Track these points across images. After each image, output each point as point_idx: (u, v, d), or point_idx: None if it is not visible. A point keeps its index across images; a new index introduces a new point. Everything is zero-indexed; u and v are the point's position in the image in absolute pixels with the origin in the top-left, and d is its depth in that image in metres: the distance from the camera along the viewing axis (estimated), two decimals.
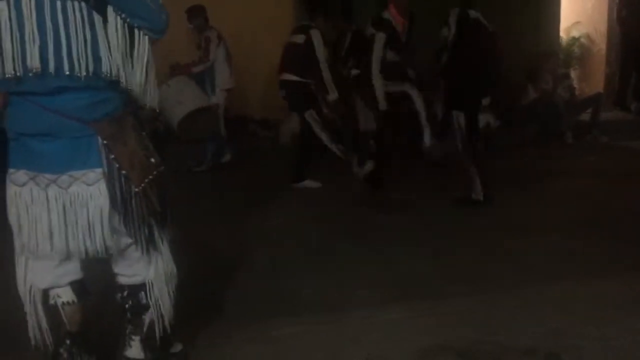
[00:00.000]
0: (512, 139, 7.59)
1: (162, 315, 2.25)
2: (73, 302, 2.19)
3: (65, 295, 2.17)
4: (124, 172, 1.99)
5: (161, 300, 2.23)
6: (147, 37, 1.97)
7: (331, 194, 5.41)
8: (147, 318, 2.26)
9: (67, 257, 2.09)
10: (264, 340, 2.69)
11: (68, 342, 2.20)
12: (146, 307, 2.24)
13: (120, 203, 2.01)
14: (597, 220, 4.30)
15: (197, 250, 3.95)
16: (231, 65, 6.59)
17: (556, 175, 5.86)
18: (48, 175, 1.97)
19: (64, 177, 1.97)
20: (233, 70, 6.62)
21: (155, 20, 1.96)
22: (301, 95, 5.55)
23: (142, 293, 2.22)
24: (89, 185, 1.97)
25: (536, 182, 5.57)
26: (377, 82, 4.95)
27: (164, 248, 2.21)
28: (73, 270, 2.18)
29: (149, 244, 2.13)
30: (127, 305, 2.24)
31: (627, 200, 4.83)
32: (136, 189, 2.02)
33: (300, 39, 5.49)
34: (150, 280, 2.21)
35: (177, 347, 2.44)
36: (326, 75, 5.44)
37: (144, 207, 2.06)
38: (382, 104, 4.98)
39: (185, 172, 6.40)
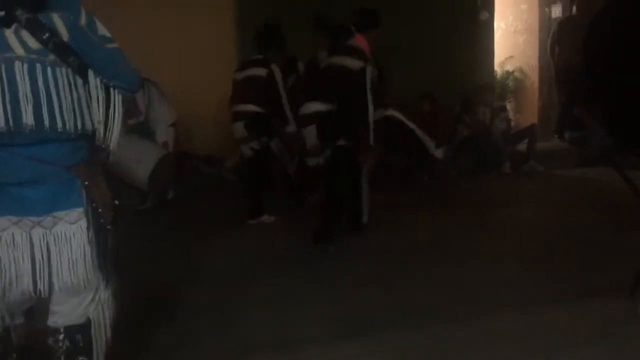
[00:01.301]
0: (451, 170, 7.79)
1: (96, 356, 2.28)
2: (22, 324, 2.31)
3: (18, 318, 2.30)
4: (100, 210, 2.18)
5: (100, 341, 2.28)
6: (120, 95, 2.20)
7: (278, 229, 5.38)
8: None
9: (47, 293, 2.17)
10: None
11: (15, 355, 2.27)
12: (82, 350, 2.25)
13: (96, 239, 2.19)
14: (540, 248, 4.40)
15: (142, 290, 3.84)
16: (166, 100, 6.55)
17: (497, 204, 6.00)
18: (32, 218, 2.10)
19: (48, 219, 2.11)
20: (169, 103, 6.58)
21: (130, 81, 2.25)
22: (263, 125, 5.55)
23: (79, 335, 2.24)
24: (71, 224, 2.15)
25: (478, 211, 5.69)
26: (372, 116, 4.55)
27: (110, 287, 2.31)
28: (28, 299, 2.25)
29: (107, 282, 2.27)
30: (62, 349, 2.24)
31: (567, 227, 4.97)
32: (108, 227, 2.21)
33: (261, 72, 5.49)
34: (92, 320, 2.26)
35: None
36: (287, 109, 5.48)
37: (111, 244, 2.25)
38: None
39: (129, 210, 6.25)
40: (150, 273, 4.16)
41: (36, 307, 2.31)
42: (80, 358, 2.26)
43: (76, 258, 2.15)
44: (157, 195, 6.38)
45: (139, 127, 6.29)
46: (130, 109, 6.34)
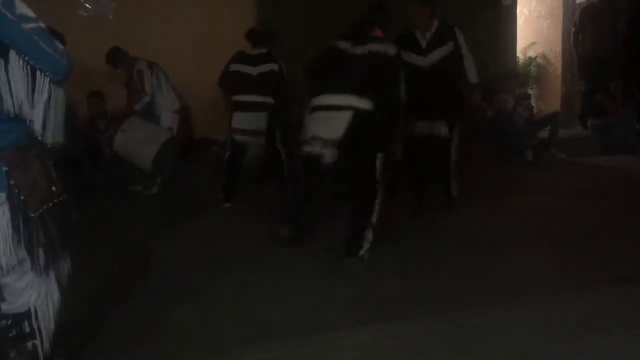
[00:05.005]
0: (472, 157, 7.71)
1: (43, 341, 2.34)
2: None
3: None
4: (22, 197, 2.14)
5: (44, 326, 2.33)
6: (48, 78, 2.12)
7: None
8: (30, 344, 2.33)
9: None
10: None
11: None
12: (30, 335, 2.32)
13: (18, 226, 2.15)
14: (561, 237, 4.36)
15: (159, 273, 3.90)
16: (172, 86, 6.60)
17: (518, 192, 5.96)
18: None
19: None
20: (175, 89, 6.64)
21: (55, 64, 2.13)
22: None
23: (26, 322, 2.31)
24: None
25: (498, 199, 5.65)
26: None
27: (52, 274, 2.32)
28: None
29: (40, 269, 2.25)
30: (10, 334, 2.31)
31: (589, 215, 4.93)
32: (32, 214, 2.17)
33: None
34: (34, 307, 2.31)
35: None
36: None
37: (40, 232, 2.19)
38: None
39: (143, 193, 6.38)
40: (168, 257, 4.22)
41: None
42: (31, 341, 2.33)
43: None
44: (164, 180, 6.47)
45: (144, 111, 6.38)
46: (137, 91, 6.42)
